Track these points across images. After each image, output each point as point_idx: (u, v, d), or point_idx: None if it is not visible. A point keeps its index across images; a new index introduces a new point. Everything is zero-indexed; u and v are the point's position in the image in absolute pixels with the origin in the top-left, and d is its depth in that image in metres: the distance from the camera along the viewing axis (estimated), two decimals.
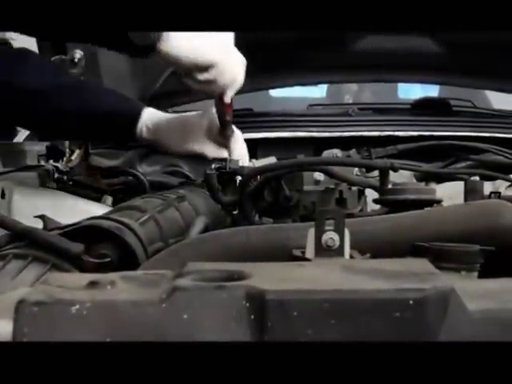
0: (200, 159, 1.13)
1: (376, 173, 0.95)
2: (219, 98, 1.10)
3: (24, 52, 1.17)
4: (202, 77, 1.03)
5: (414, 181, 1.13)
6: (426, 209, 0.73)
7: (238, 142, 1.14)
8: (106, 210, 0.88)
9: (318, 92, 3.05)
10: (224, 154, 1.11)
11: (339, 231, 0.52)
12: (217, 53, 1.03)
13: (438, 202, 0.78)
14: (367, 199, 0.94)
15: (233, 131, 1.12)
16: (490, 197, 0.86)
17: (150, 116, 1.15)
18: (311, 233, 0.53)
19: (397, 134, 1.51)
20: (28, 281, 0.54)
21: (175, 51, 0.98)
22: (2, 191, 0.98)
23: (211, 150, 1.07)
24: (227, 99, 1.10)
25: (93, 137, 1.25)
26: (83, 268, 0.59)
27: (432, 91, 2.63)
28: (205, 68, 1.02)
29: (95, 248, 0.61)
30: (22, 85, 1.12)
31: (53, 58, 1.26)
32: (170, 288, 0.35)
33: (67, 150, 1.12)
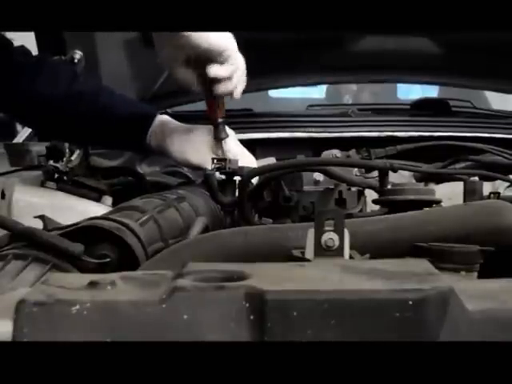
0: (199, 169, 1.13)
1: (375, 173, 0.95)
2: (212, 100, 1.09)
3: (41, 61, 1.17)
4: (219, 71, 1.02)
5: (414, 181, 1.13)
6: (425, 209, 0.73)
7: (232, 144, 1.14)
8: (105, 211, 0.88)
9: (317, 93, 3.05)
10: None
11: (339, 231, 0.52)
12: (234, 46, 1.03)
13: (438, 202, 0.78)
14: (367, 199, 0.94)
15: (227, 135, 1.12)
16: (489, 197, 0.86)
17: (160, 123, 1.16)
18: (311, 233, 0.53)
19: (396, 134, 1.51)
20: (28, 281, 0.54)
21: (195, 36, 0.98)
22: (2, 191, 0.98)
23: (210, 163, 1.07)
24: (237, 95, 1.09)
25: (106, 143, 1.25)
26: (83, 268, 0.59)
27: (431, 92, 2.63)
28: (221, 59, 1.02)
29: (95, 248, 0.61)
30: (36, 94, 1.13)
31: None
32: (170, 288, 0.35)
33: (67, 151, 1.12)
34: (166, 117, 1.18)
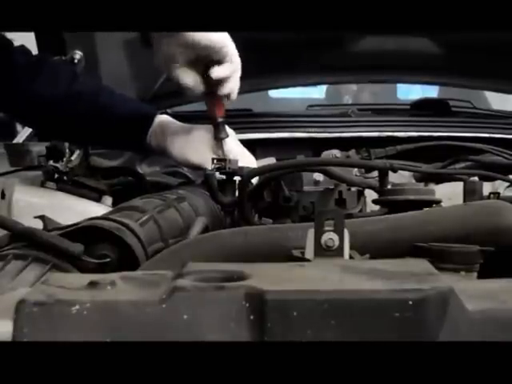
0: (199, 169, 1.13)
1: (375, 173, 0.95)
2: (212, 100, 1.09)
3: (41, 61, 1.17)
4: (221, 71, 1.03)
5: (413, 181, 1.13)
6: (425, 209, 0.73)
7: (232, 144, 1.14)
8: (105, 211, 0.88)
9: (317, 93, 3.05)
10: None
11: (339, 232, 0.52)
12: (232, 44, 1.04)
13: (437, 202, 0.78)
14: (366, 200, 0.94)
15: (227, 134, 1.12)
16: (489, 197, 0.86)
17: (160, 123, 1.16)
18: (311, 233, 0.53)
19: (396, 134, 1.51)
20: (28, 281, 0.54)
21: (196, 36, 0.99)
22: (2, 191, 0.98)
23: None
24: (234, 96, 1.09)
25: (106, 143, 1.25)
26: (83, 268, 0.59)
27: (431, 92, 2.63)
28: (221, 57, 1.02)
29: (95, 248, 0.62)
30: (36, 94, 1.13)
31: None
32: (170, 288, 0.35)
33: (67, 151, 1.12)
34: (166, 117, 1.18)
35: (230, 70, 1.04)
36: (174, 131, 1.15)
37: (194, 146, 1.13)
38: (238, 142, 1.17)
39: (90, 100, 1.15)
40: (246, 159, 1.12)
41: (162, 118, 1.17)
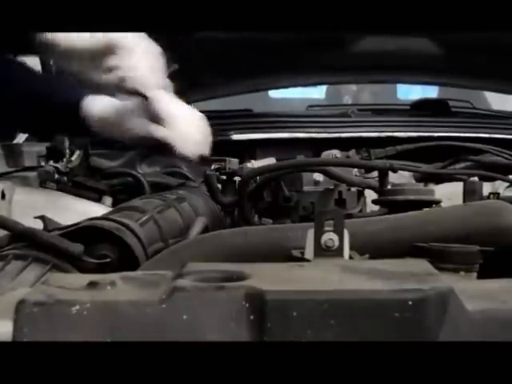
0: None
1: (375, 173, 0.95)
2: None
3: None
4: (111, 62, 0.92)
5: (413, 181, 1.13)
6: (425, 209, 0.73)
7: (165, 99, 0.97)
8: (105, 211, 0.88)
9: (317, 93, 3.05)
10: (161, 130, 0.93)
11: (338, 232, 0.52)
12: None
13: (437, 202, 0.78)
14: (366, 200, 0.94)
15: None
16: (488, 197, 0.86)
17: (96, 104, 1.05)
18: (311, 233, 0.53)
19: (396, 134, 1.51)
20: (28, 281, 0.54)
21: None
22: (2, 192, 0.98)
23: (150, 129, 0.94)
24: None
25: (44, 130, 1.15)
26: (83, 268, 0.59)
27: (431, 92, 2.63)
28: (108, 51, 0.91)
29: (95, 248, 0.62)
30: None
31: None
32: (169, 288, 0.35)
33: (67, 151, 1.12)
34: (102, 97, 1.06)
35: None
36: (107, 110, 1.05)
37: (127, 120, 1.00)
38: (178, 100, 0.99)
39: (22, 87, 1.09)
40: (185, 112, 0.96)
41: (99, 99, 1.05)
